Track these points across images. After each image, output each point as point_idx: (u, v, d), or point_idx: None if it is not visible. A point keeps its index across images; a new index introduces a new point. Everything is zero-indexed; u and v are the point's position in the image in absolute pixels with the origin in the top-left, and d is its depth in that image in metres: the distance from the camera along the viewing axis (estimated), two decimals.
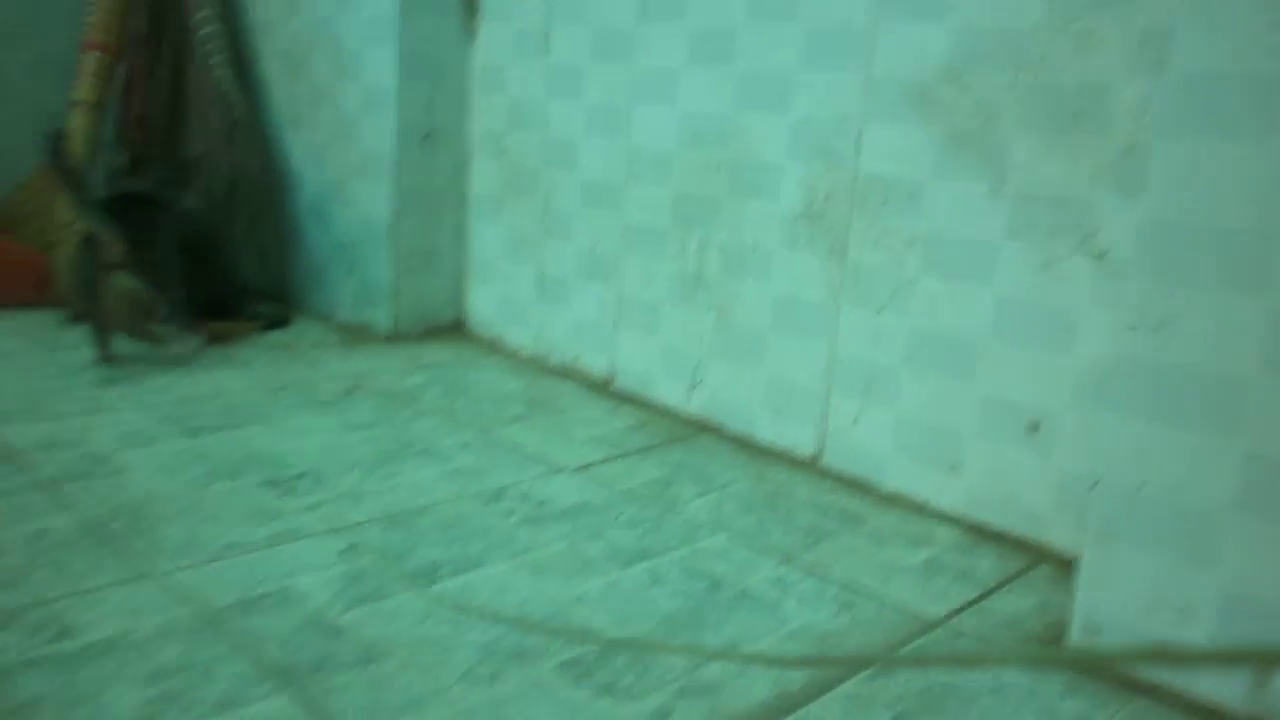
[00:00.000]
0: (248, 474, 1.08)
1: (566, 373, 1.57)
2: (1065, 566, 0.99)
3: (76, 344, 1.52)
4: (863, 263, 1.17)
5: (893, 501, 1.15)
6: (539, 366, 1.60)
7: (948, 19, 1.07)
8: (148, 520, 0.95)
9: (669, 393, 1.42)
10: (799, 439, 1.26)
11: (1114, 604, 0.83)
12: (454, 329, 1.77)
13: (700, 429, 1.36)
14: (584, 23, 1.48)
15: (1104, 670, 0.82)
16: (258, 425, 1.23)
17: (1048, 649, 0.87)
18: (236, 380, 1.41)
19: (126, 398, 1.30)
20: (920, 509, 1.13)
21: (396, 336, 1.69)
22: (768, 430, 1.29)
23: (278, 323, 1.72)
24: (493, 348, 1.69)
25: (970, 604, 0.93)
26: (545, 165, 1.57)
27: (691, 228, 1.36)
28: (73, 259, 1.59)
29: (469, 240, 1.74)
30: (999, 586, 0.97)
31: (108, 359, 1.43)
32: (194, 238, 1.69)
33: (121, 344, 1.46)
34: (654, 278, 1.43)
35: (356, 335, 1.71)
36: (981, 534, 1.08)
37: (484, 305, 1.73)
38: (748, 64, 1.27)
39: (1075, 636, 0.85)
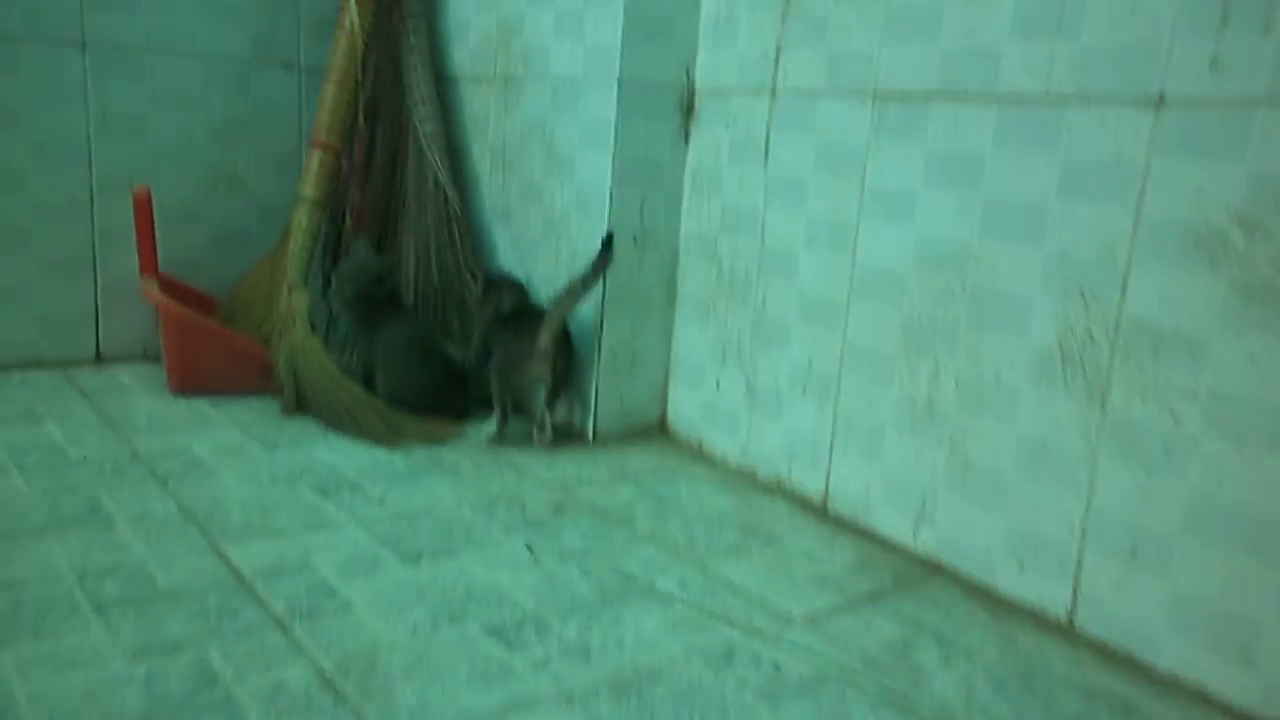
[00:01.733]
0: (471, 617, 1.06)
1: (777, 489, 1.51)
2: None
3: (294, 440, 1.55)
4: (1129, 414, 1.06)
5: (1170, 686, 1.03)
6: (747, 480, 1.54)
7: (1244, 160, 0.96)
8: (379, 676, 0.93)
9: (892, 525, 1.33)
10: (1049, 596, 1.15)
11: None
12: (656, 431, 1.73)
13: (930, 571, 1.27)
14: (808, 133, 1.42)
15: None
16: (473, 550, 1.22)
17: None
18: (448, 491, 1.41)
19: (344, 510, 1.31)
20: (1204, 698, 1.00)
21: (599, 437, 1.67)
22: (1011, 582, 1.19)
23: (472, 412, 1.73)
24: (697, 455, 1.65)
25: None
26: (760, 273, 1.52)
27: (922, 354, 1.28)
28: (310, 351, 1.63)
29: (675, 342, 1.70)
30: None
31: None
32: (416, 330, 1.72)
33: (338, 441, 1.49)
34: (877, 401, 1.35)
35: (560, 435, 1.69)
36: None
37: (688, 409, 1.68)
38: (995, 191, 1.19)
39: None
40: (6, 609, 1.00)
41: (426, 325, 1.78)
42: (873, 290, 1.34)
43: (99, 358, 1.92)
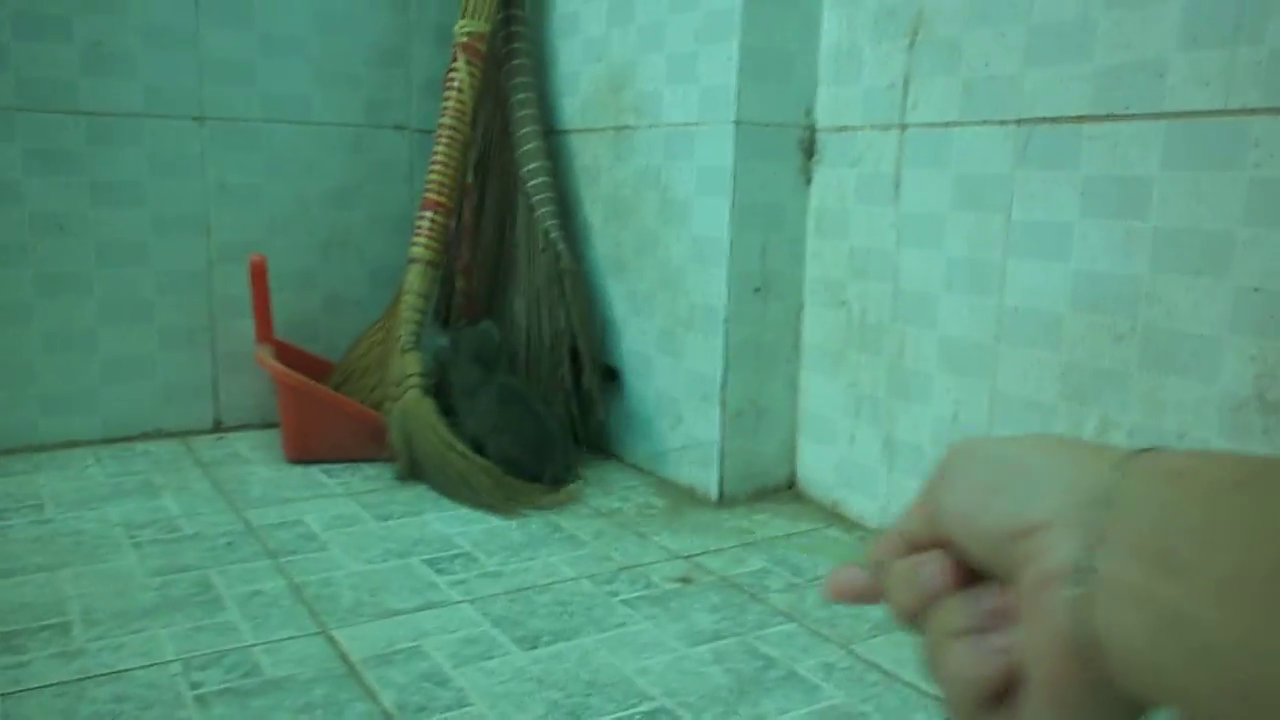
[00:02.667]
0: (594, 712, 0.96)
1: None
2: None
3: (407, 509, 1.49)
4: None
5: None
6: None
7: None
8: None
9: None
10: None
11: None
12: (785, 491, 1.62)
13: None
14: (944, 167, 1.31)
15: None
16: (594, 631, 1.12)
17: None
18: (565, 563, 1.32)
19: (458, 586, 1.23)
20: None
21: (724, 500, 1.56)
22: None
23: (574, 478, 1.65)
24: (831, 516, 1.52)
25: None
26: (894, 319, 1.40)
27: (1088, 404, 1.14)
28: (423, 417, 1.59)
29: (802, 395, 1.59)
30: None
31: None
32: (520, 391, 1.66)
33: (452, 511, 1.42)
34: None
35: (682, 498, 1.59)
36: None
37: (819, 467, 1.57)
38: (1166, 219, 1.05)
39: None
40: (109, 701, 0.95)
41: (537, 388, 1.71)
42: (1025, 334, 1.21)
43: (218, 426, 1.91)
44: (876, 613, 1.19)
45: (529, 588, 1.24)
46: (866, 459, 1.47)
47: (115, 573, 1.24)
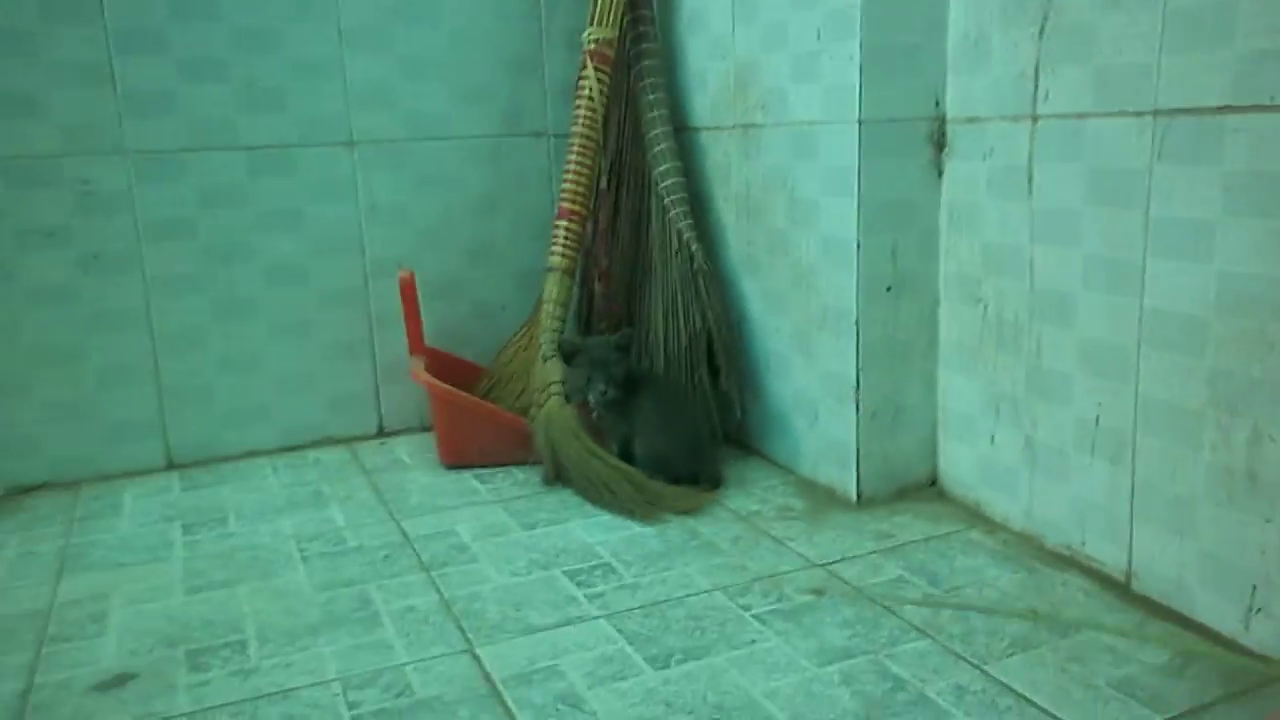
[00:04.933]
0: None
1: (1068, 561, 1.33)
2: None
3: (552, 516, 1.56)
4: None
5: None
6: (1032, 548, 1.38)
7: None
8: None
9: (1215, 613, 1.13)
10: None
11: None
12: (927, 489, 1.60)
13: (1271, 673, 1.06)
14: (1077, 160, 1.25)
15: None
16: (725, 649, 1.15)
17: None
18: (701, 573, 1.35)
19: (597, 600, 1.28)
20: None
21: (863, 500, 1.55)
22: None
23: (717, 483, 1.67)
24: (974, 517, 1.49)
25: None
26: (1031, 318, 1.35)
27: (1237, 414, 1.08)
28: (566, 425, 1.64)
29: (941, 393, 1.56)
30: None
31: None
32: (666, 391, 1.69)
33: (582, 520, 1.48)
34: (1182, 466, 1.15)
35: (822, 498, 1.59)
36: None
37: (960, 465, 1.54)
38: None
39: None
40: None
41: (680, 386, 1.74)
42: (1168, 337, 1.15)
43: (381, 431, 2.03)
44: (1013, 628, 1.17)
45: (664, 601, 1.28)
46: (1008, 459, 1.43)
47: (287, 588, 1.35)
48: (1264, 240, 1.03)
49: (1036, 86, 1.31)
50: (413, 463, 1.86)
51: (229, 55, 1.81)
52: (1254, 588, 1.08)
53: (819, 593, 1.29)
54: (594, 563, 1.40)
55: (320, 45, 1.87)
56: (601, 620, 1.23)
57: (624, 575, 1.36)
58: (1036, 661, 1.10)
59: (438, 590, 1.33)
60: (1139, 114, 1.16)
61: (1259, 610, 1.08)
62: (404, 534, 1.52)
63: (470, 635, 1.21)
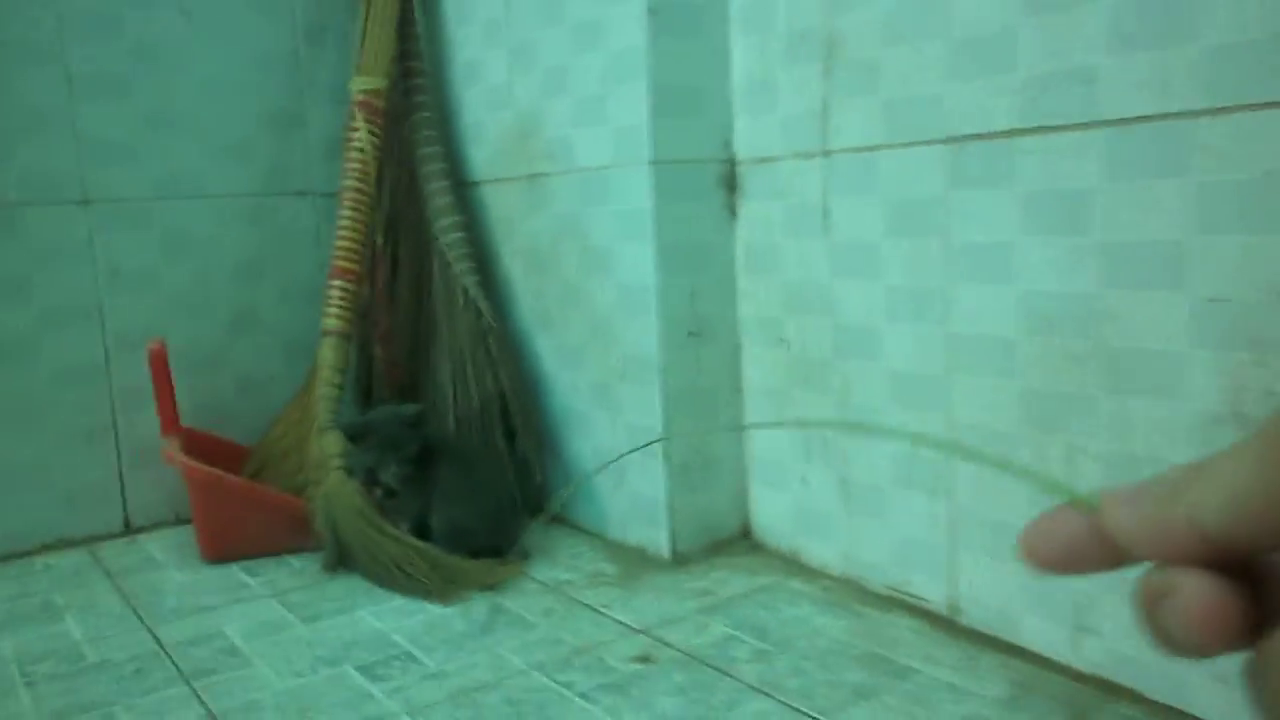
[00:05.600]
0: None
1: (892, 601, 1.29)
2: None
3: (337, 605, 1.38)
4: None
5: None
6: (855, 592, 1.34)
7: None
8: None
9: (1045, 638, 1.11)
10: None
11: None
12: (740, 541, 1.53)
13: (1104, 694, 1.04)
14: (872, 192, 1.24)
15: None
16: None
17: None
18: (514, 652, 1.22)
19: (397, 695, 1.12)
20: None
21: (678, 558, 1.47)
22: (1212, 699, 0.96)
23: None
24: (792, 566, 1.44)
25: None
26: (837, 355, 1.33)
27: (1051, 431, 1.08)
28: (341, 501, 1.47)
29: (748, 439, 1.51)
30: None
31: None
32: (463, 457, 1.55)
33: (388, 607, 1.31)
34: (1001, 490, 1.14)
35: (634, 560, 1.50)
36: None
37: (774, 514, 1.48)
38: (1111, 233, 0.99)
39: None
40: None
41: (476, 451, 1.60)
42: (976, 361, 1.15)
43: (128, 527, 1.77)
44: (854, 676, 1.11)
45: (476, 688, 1.13)
46: (823, 503, 1.39)
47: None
48: (1062, 256, 1.04)
49: (826, 122, 1.30)
50: (167, 560, 1.62)
51: None
52: (1078, 608, 1.07)
53: (646, 660, 1.18)
54: (391, 653, 1.24)
55: (46, 92, 1.65)
56: (404, 718, 1.07)
57: (426, 663, 1.20)
58: (880, 709, 1.04)
59: (203, 703, 1.13)
60: (930, 142, 1.16)
61: (1086, 631, 1.07)
62: (158, 642, 1.30)
63: None
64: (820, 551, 1.41)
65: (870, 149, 1.24)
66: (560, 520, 1.70)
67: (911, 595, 1.27)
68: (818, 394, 1.37)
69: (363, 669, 1.19)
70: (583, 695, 1.10)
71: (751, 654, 1.18)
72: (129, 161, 1.72)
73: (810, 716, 1.03)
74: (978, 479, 1.17)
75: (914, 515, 1.25)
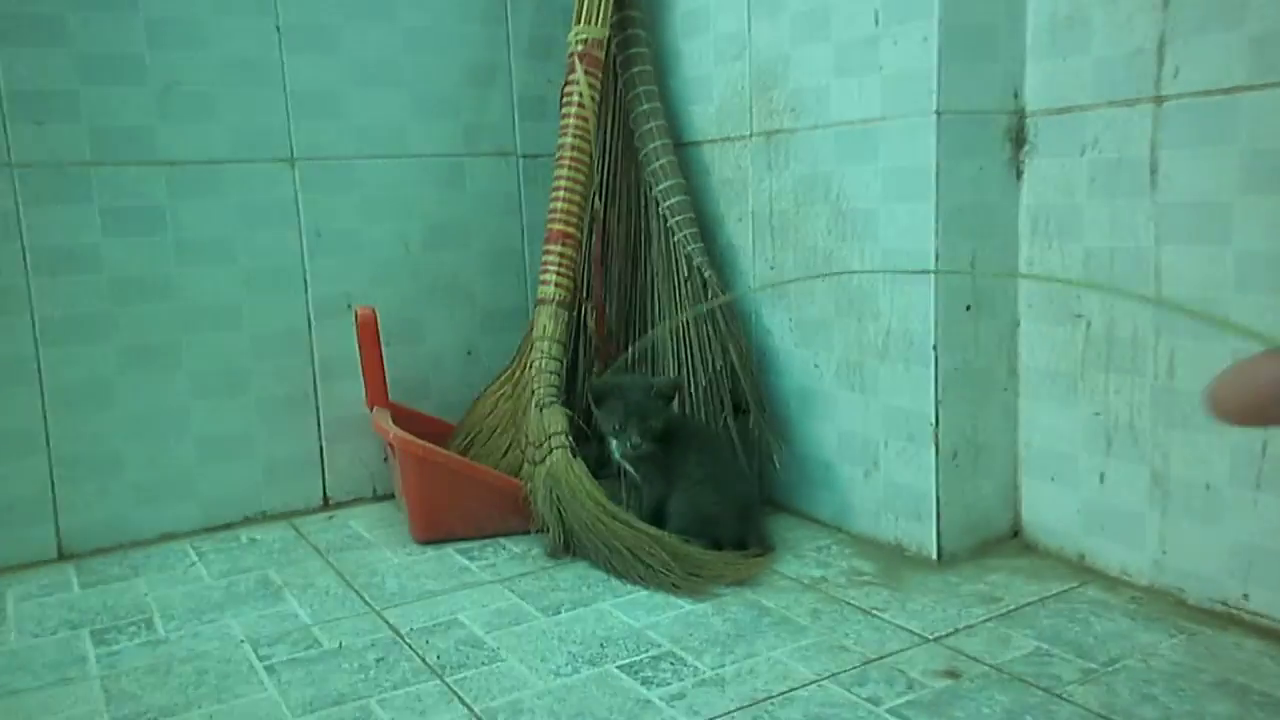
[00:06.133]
0: None
1: (1227, 619, 1.12)
2: None
3: (574, 596, 1.26)
4: None
5: None
6: (1170, 605, 1.16)
7: None
8: None
9: None
10: None
11: None
12: (1009, 541, 1.37)
13: None
14: (1227, 143, 1.06)
15: None
16: None
17: None
18: (794, 657, 1.08)
19: (678, 703, 1.00)
20: None
21: (946, 558, 1.32)
22: None
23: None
24: (1081, 571, 1.27)
25: None
26: (1159, 332, 1.15)
27: None
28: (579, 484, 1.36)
29: (1023, 427, 1.34)
30: None
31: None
32: (708, 441, 1.42)
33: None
34: None
35: (891, 558, 1.35)
36: None
37: (1055, 512, 1.32)
38: None
39: None
40: None
41: (721, 436, 1.47)
42: None
43: (327, 502, 1.69)
44: (1221, 708, 0.94)
45: (766, 698, 1.00)
46: (1126, 501, 1.22)
47: (257, 712, 1.02)
48: None
49: (1161, 63, 1.12)
50: (376, 539, 1.53)
51: (144, 50, 1.49)
52: None
53: (953, 675, 1.03)
54: (652, 652, 1.11)
55: (256, 43, 1.56)
56: None
57: (698, 667, 1.07)
58: None
59: (463, 702, 1.02)
60: None
61: None
62: (393, 629, 1.20)
63: None
64: (1120, 556, 1.23)
65: (1226, 92, 1.06)
66: (788, 510, 1.56)
67: (1255, 613, 1.10)
68: (1126, 377, 1.20)
69: (628, 670, 1.07)
70: (896, 714, 0.96)
71: (1078, 674, 1.02)
72: (334, 117, 1.64)
73: None
74: None
75: (1264, 521, 1.07)
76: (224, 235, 1.57)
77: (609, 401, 1.35)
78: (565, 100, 1.60)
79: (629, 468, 1.38)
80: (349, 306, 1.65)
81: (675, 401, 1.37)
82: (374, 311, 1.58)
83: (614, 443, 1.35)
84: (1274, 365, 0.25)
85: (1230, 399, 0.26)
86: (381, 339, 1.62)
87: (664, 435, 1.34)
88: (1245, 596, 1.10)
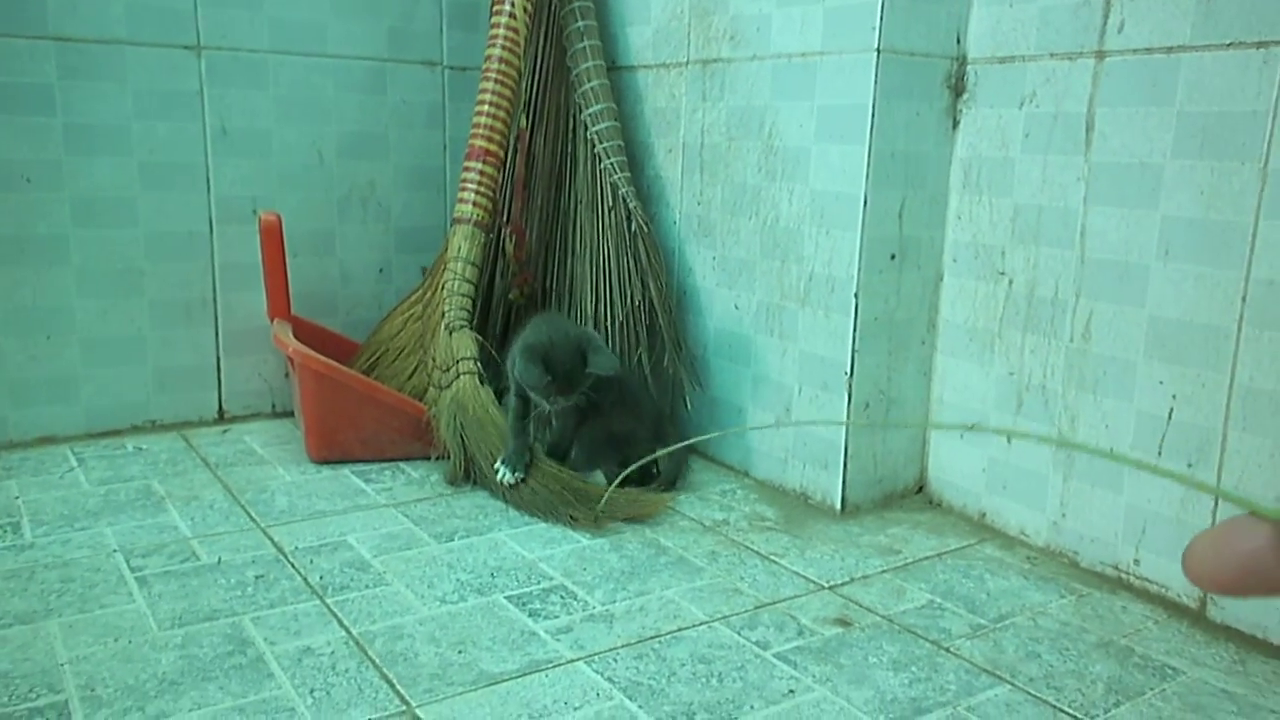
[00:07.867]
0: None
1: (1117, 583, 1.12)
2: None
3: (470, 524, 1.22)
4: None
5: None
6: (1064, 566, 1.17)
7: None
8: None
9: None
10: None
11: None
12: (914, 496, 1.37)
13: None
14: (1164, 104, 1.04)
15: None
16: (764, 708, 0.86)
17: None
18: (687, 598, 1.06)
19: (564, 637, 0.97)
20: None
21: (849, 509, 1.30)
22: None
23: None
24: (980, 529, 1.27)
25: None
26: (1081, 294, 1.14)
27: None
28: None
29: (938, 384, 1.33)
30: None
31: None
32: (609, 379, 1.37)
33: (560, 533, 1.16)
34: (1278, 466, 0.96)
35: (795, 506, 1.34)
36: None
37: (960, 470, 1.31)
38: None
39: None
40: None
41: (633, 367, 1.43)
42: (1276, 312, 0.96)
43: (221, 415, 1.62)
44: (1102, 669, 0.94)
45: (654, 636, 0.98)
46: (1031, 463, 1.21)
47: (121, 624, 0.96)
48: None
49: (1106, 16, 1.09)
50: (270, 456, 1.47)
51: None
52: None
53: (844, 623, 1.02)
54: (543, 584, 1.08)
55: None
56: (581, 665, 0.92)
57: (588, 601, 1.04)
58: (1152, 715, 0.87)
59: (342, 625, 0.98)
60: (1263, 44, 0.96)
61: None
62: (277, 547, 1.15)
63: (404, 691, 0.87)
64: (1021, 517, 1.23)
65: (1168, 51, 1.04)
66: (695, 453, 1.53)
67: (1143, 578, 1.10)
68: (1043, 338, 1.19)
69: (516, 601, 1.04)
70: (783, 659, 0.94)
71: (967, 629, 1.02)
72: (246, 6, 1.53)
73: (1069, 715, 0.86)
74: (1259, 449, 0.98)
75: (1164, 488, 1.07)
76: (119, 123, 1.47)
77: (540, 365, 1.25)
78: (495, 11, 1.52)
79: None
80: (254, 212, 1.56)
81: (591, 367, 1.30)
82: (279, 218, 1.50)
83: (538, 398, 1.28)
84: (1255, 535, 0.24)
85: (1207, 570, 0.25)
86: (288, 249, 1.54)
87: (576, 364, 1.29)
88: (1136, 561, 1.11)
